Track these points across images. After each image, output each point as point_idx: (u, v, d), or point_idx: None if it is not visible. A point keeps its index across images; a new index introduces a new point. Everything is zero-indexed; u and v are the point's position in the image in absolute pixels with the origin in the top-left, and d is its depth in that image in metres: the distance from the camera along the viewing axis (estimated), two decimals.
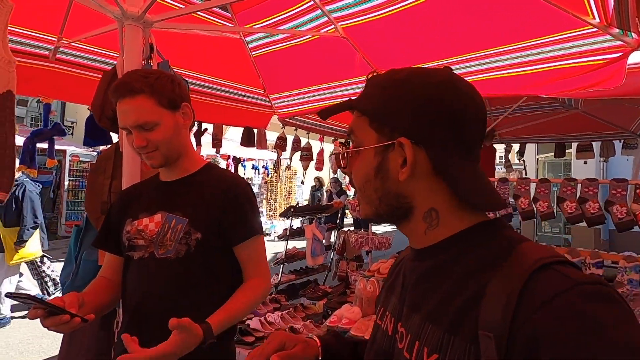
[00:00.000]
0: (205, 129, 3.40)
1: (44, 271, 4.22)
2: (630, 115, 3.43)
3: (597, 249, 2.43)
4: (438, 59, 2.12)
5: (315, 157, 4.24)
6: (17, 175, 3.25)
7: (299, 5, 2.12)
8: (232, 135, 6.52)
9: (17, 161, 2.03)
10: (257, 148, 3.57)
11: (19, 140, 1.43)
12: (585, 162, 4.55)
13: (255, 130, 3.42)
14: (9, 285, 3.84)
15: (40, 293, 4.17)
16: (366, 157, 0.56)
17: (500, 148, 4.75)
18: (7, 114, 1.21)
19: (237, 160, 8.19)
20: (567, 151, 4.70)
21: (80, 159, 8.74)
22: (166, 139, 1.03)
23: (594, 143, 4.24)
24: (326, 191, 9.42)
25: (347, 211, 5.49)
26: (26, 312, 3.96)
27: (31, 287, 4.15)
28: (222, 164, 6.22)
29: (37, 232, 3.99)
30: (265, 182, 10.73)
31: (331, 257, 4.44)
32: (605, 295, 0.41)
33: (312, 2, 2.06)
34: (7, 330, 3.76)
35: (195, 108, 1.15)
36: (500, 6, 1.73)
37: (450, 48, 2.06)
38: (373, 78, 0.57)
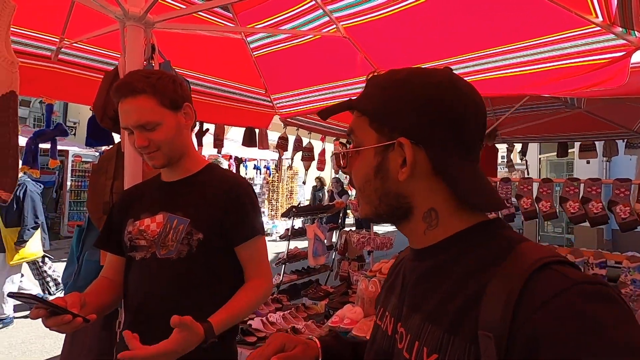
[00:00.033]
0: (207, 129, 3.41)
1: (45, 271, 4.24)
2: (633, 115, 3.41)
3: (600, 249, 2.42)
4: (440, 58, 2.12)
5: (316, 157, 4.24)
6: (19, 175, 3.26)
7: (301, 5, 2.12)
8: (234, 135, 6.53)
9: (20, 162, 2.04)
10: (258, 148, 3.57)
11: (22, 141, 1.44)
12: (588, 162, 4.53)
13: (257, 131, 3.42)
14: (12, 285, 3.85)
15: (42, 293, 4.19)
16: (366, 157, 0.56)
17: (502, 148, 4.74)
18: (10, 114, 1.21)
19: (239, 161, 8.20)
20: (569, 151, 4.68)
21: (83, 159, 8.76)
22: (168, 139, 1.04)
23: (596, 142, 4.22)
24: (327, 191, 9.42)
25: (348, 211, 5.49)
26: (29, 312, 3.96)
27: (32, 287, 4.16)
28: (225, 164, 6.23)
29: (38, 232, 4.00)
30: (267, 182, 10.73)
31: (333, 257, 4.43)
32: (605, 295, 0.41)
33: (313, 2, 2.05)
34: (10, 330, 3.77)
35: (197, 108, 1.15)
36: (502, 5, 1.72)
37: (453, 47, 2.05)
38: (373, 78, 0.57)
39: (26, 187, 3.88)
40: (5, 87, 1.20)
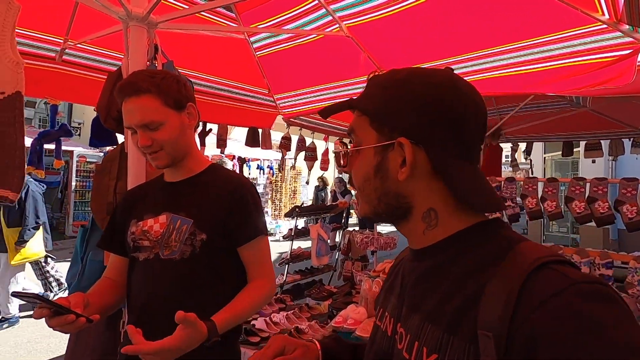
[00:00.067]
0: (210, 130, 3.41)
1: (47, 271, 4.26)
2: (639, 113, 3.37)
3: (606, 249, 2.39)
4: (444, 57, 2.11)
5: (320, 157, 4.24)
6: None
7: (303, 4, 2.11)
8: (237, 135, 6.55)
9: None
10: (261, 148, 3.57)
11: (27, 142, 1.44)
12: (593, 161, 4.49)
13: (260, 131, 3.42)
14: (16, 284, 3.87)
15: (42, 291, 4.21)
16: (366, 157, 0.56)
17: (506, 147, 4.70)
18: (16, 114, 1.22)
19: (242, 161, 8.22)
20: (574, 150, 4.64)
21: (88, 160, 8.82)
22: (171, 138, 1.04)
23: (602, 141, 4.18)
24: (330, 191, 9.41)
25: (352, 211, 5.48)
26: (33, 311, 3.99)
27: (32, 287, 4.17)
28: (229, 165, 6.23)
29: (40, 232, 4.01)
30: (270, 182, 10.75)
31: (336, 257, 4.42)
32: (604, 295, 0.41)
33: (316, 2, 2.05)
34: (16, 330, 3.80)
35: (200, 108, 1.15)
36: (507, 3, 1.70)
37: (457, 46, 2.04)
38: (374, 78, 0.58)
39: (28, 187, 3.90)
40: (11, 88, 1.21)
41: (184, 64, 2.32)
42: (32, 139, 2.29)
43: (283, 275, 3.87)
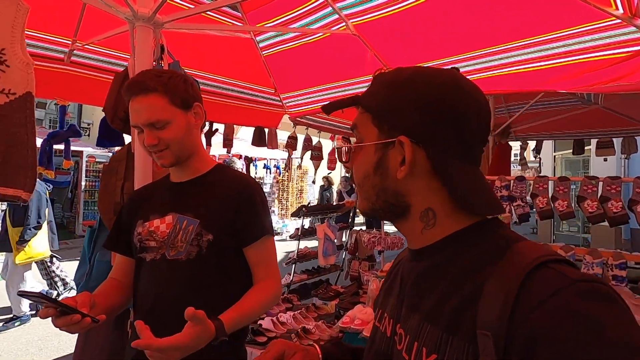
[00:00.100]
0: (216, 130, 3.42)
1: (53, 271, 4.29)
2: None
3: (618, 249, 2.34)
4: (453, 54, 2.08)
5: (326, 156, 4.22)
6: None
7: (310, 3, 2.10)
8: (244, 135, 6.56)
9: None
10: (268, 147, 3.57)
11: (37, 142, 1.46)
12: (605, 159, 4.41)
13: (267, 130, 3.42)
14: (25, 284, 3.90)
15: (46, 289, 4.25)
16: (367, 153, 0.56)
17: (515, 145, 4.64)
18: (27, 114, 1.23)
19: (249, 160, 8.25)
20: (586, 148, 4.56)
21: (97, 160, 8.95)
22: (177, 138, 1.03)
23: (614, 139, 4.10)
24: (336, 191, 9.39)
25: (358, 210, 5.45)
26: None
27: (36, 285, 4.19)
28: (238, 164, 6.24)
29: (45, 232, 4.02)
30: (277, 182, 10.77)
31: (343, 256, 4.41)
32: (603, 294, 0.40)
33: (322, 0, 2.03)
34: (27, 328, 3.86)
35: (206, 108, 1.15)
36: None
37: (466, 43, 2.01)
38: (379, 76, 0.58)
39: None
40: (22, 89, 1.22)
41: (190, 64, 2.33)
42: (41, 140, 2.32)
43: (290, 274, 3.87)
